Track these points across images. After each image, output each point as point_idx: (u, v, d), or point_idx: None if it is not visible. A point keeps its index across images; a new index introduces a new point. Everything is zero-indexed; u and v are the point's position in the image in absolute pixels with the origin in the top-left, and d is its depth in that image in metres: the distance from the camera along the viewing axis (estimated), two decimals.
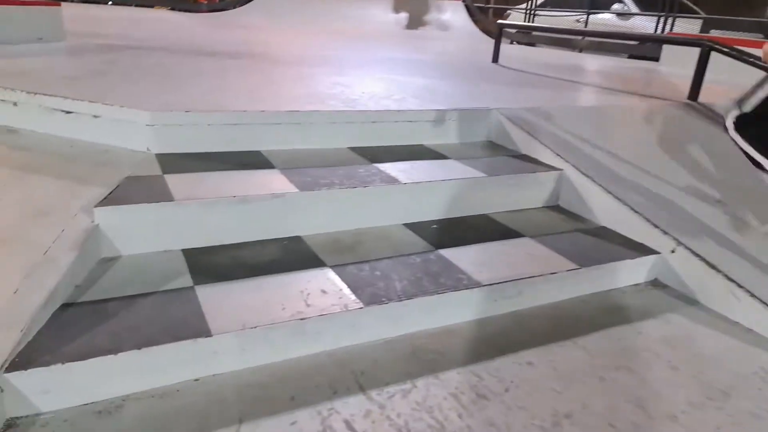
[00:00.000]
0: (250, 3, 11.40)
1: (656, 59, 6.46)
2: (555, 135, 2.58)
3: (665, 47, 6.15)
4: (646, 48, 7.21)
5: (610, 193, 2.15)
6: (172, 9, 10.81)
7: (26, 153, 1.87)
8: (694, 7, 7.75)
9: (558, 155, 2.37)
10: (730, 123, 1.72)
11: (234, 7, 11.40)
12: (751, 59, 3.06)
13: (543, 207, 2.33)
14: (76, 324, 1.17)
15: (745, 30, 6.29)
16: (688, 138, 2.89)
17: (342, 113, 2.35)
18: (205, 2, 11.92)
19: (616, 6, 8.25)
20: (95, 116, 2.00)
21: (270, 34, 6.97)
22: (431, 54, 5.85)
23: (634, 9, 8.02)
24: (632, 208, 2.07)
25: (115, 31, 5.21)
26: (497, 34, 4.99)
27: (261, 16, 10.38)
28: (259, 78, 3.10)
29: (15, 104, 2.09)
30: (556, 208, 2.34)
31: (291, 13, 10.43)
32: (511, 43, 9.69)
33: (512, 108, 2.76)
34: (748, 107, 1.68)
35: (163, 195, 1.59)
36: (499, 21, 5.14)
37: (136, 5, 10.71)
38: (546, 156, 2.43)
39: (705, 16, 7.08)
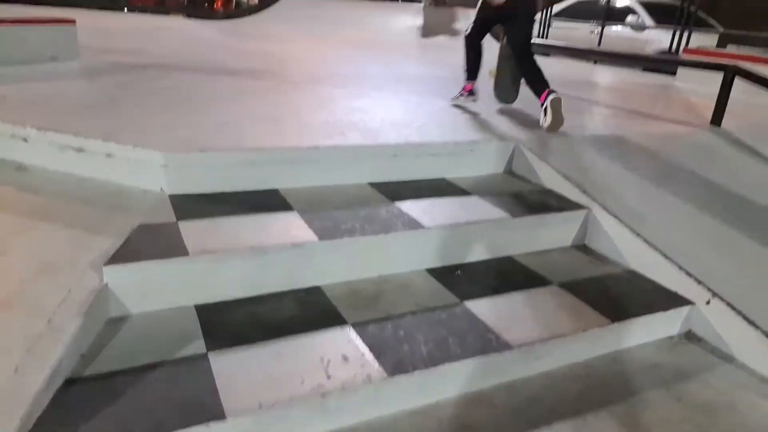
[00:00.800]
0: (265, 11, 11.40)
1: (672, 73, 6.32)
2: (579, 168, 2.47)
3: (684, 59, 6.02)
4: (663, 62, 7.06)
5: (639, 235, 2.05)
6: (188, 16, 10.83)
7: (35, 195, 1.80)
8: (711, 21, 7.58)
9: (584, 192, 2.27)
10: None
11: (249, 15, 11.40)
12: None
13: (570, 247, 2.23)
14: (81, 406, 1.10)
15: (762, 46, 6.12)
16: (718, 172, 2.77)
17: (362, 148, 2.27)
18: (221, 9, 11.91)
19: (630, 18, 8.10)
20: (108, 155, 1.93)
21: (286, 45, 6.91)
22: (448, 68, 5.74)
23: (648, 21, 7.87)
24: (664, 254, 1.97)
25: (131, 45, 5.17)
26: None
27: (276, 24, 10.34)
28: (277, 103, 3.03)
29: (25, 140, 2.03)
30: (582, 248, 2.24)
31: (305, 20, 10.36)
32: None
33: (533, 138, 2.66)
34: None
35: (176, 248, 1.51)
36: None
37: (152, 13, 10.75)
38: (571, 192, 2.33)
39: (722, 31, 6.91)
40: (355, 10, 10.35)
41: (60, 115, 2.28)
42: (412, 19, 10.71)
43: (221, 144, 2.08)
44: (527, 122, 3.13)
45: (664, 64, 4.87)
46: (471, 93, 3.36)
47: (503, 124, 2.97)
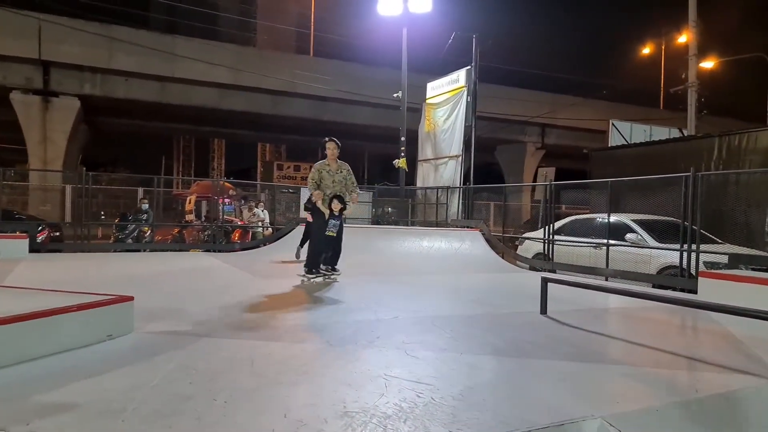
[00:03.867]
0: (276, 242, 12.15)
1: (693, 291, 6.51)
2: None
3: (702, 281, 6.27)
4: (676, 279, 7.34)
5: None
6: (207, 251, 11.46)
7: None
8: (713, 237, 8.11)
9: None
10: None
11: (264, 245, 12.11)
12: None
13: None
14: None
15: None
16: None
17: None
18: (239, 240, 12.69)
19: (630, 235, 8.64)
20: None
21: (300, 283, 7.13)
22: (472, 301, 5.89)
23: (649, 239, 8.40)
24: None
25: (168, 303, 5.33)
26: (543, 287, 5.08)
27: (287, 252, 10.91)
28: (324, 386, 2.98)
29: None
30: None
31: None
32: (530, 269, 10.00)
33: (618, 414, 2.58)
34: None
35: None
36: (543, 275, 5.27)
37: (173, 250, 11.40)
38: None
39: (731, 250, 7.32)
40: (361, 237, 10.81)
41: (141, 427, 2.21)
42: (416, 241, 11.40)
43: None
44: (591, 384, 3.08)
45: (692, 305, 4.86)
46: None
47: (574, 393, 2.91)
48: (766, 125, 12.00)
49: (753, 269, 6.70)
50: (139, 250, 11.13)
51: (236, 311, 5.07)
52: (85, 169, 11.37)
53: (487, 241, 10.98)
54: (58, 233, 12.16)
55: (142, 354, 3.37)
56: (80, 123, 23.18)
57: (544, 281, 5.11)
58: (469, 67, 12.33)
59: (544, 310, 5.06)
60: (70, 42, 20.07)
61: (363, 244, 10.08)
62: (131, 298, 3.80)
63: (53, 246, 10.88)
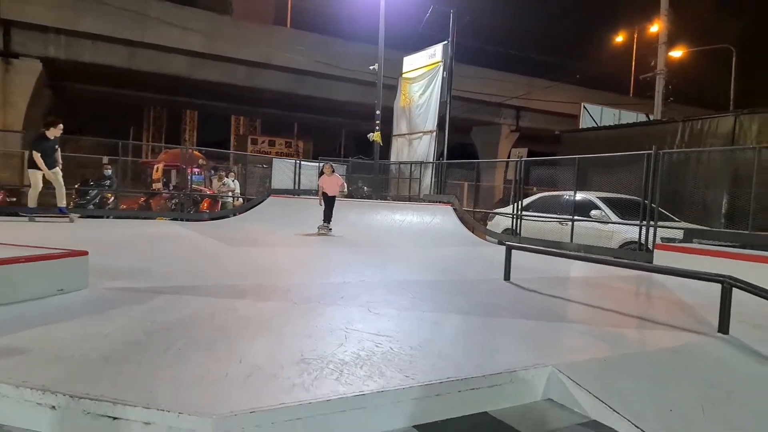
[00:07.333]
0: (248, 212, 12.01)
1: (648, 262, 6.73)
2: (622, 396, 2.42)
3: (657, 252, 6.48)
4: (635, 253, 7.56)
5: None
6: (174, 219, 11.25)
7: None
8: (671, 216, 8.37)
9: (637, 427, 2.19)
10: None
11: (234, 215, 11.96)
12: None
13: None
14: None
15: (725, 241, 6.68)
16: (736, 386, 2.73)
17: (407, 391, 2.19)
18: (207, 210, 12.48)
19: (594, 212, 8.85)
20: (147, 423, 1.79)
21: (277, 249, 7.09)
22: (440, 270, 5.96)
23: (612, 216, 8.60)
24: None
25: (133, 263, 5.23)
26: (507, 254, 5.16)
27: (257, 223, 10.78)
28: (296, 334, 2.99)
29: (53, 408, 1.88)
30: None
31: (284, 217, 10.86)
32: (499, 243, 10.13)
33: (568, 363, 2.65)
34: None
35: None
36: (508, 243, 5.35)
37: (139, 218, 11.15)
38: (620, 424, 2.24)
39: (687, 226, 7.57)
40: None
41: (89, 371, 2.16)
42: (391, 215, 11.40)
43: (260, 397, 1.98)
44: (550, 340, 3.16)
45: (652, 269, 5.07)
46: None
47: (533, 347, 2.98)
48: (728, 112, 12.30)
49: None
50: (101, 217, 10.85)
51: (203, 273, 5.01)
52: None
53: (458, 216, 11.07)
54: (14, 199, 11.74)
55: (96, 308, 3.29)
56: (43, 87, 22.26)
57: (508, 249, 5.18)
58: (445, 42, 12.26)
59: (507, 277, 5.14)
60: (33, 1, 19.14)
61: (335, 216, 10.01)
62: (85, 253, 3.69)
63: (9, 210, 10.51)
